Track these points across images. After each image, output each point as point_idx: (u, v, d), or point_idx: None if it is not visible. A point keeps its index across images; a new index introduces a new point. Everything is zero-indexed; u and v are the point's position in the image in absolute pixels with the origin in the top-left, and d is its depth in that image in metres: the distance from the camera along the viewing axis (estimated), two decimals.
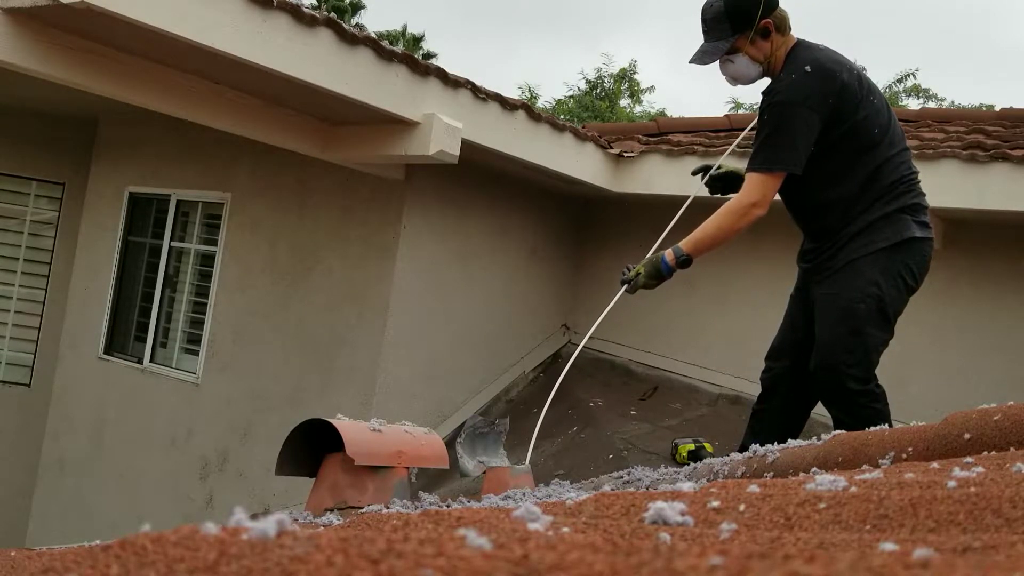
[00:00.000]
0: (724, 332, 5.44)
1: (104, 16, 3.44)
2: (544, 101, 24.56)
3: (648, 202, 5.60)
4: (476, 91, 4.70)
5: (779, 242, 5.16)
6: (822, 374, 2.95)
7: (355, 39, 4.11)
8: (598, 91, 23.80)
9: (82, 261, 7.29)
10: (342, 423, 2.35)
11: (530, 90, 25.05)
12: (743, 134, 3.78)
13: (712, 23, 3.04)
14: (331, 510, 2.17)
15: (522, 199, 5.82)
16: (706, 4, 3.06)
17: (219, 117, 4.57)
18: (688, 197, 3.53)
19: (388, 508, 2.12)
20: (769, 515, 0.92)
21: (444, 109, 4.50)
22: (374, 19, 37.33)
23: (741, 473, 2.08)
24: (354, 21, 24.46)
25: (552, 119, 5.24)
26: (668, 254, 3.04)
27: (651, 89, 24.64)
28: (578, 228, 6.22)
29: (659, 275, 3.06)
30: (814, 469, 1.65)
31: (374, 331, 5.21)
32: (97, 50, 4.01)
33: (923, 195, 3.06)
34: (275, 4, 3.78)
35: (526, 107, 5.05)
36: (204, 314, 6.19)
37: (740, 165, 3.37)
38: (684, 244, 3.03)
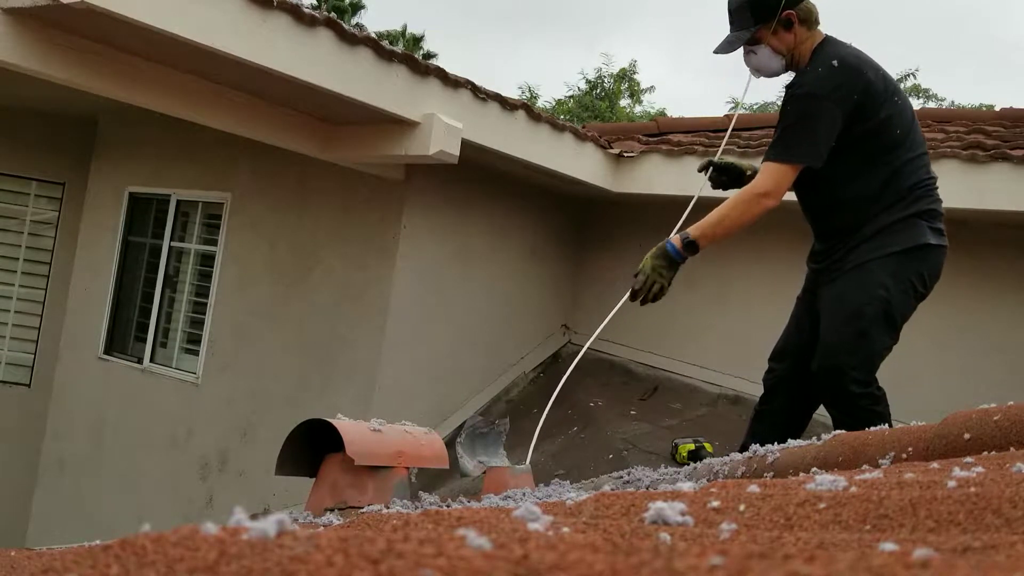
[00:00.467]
0: (724, 332, 5.44)
1: (104, 16, 3.44)
2: (544, 101, 24.59)
3: (648, 202, 5.60)
4: (476, 91, 4.70)
5: (780, 242, 5.17)
6: (824, 375, 2.94)
7: (355, 39, 4.11)
8: (598, 91, 23.81)
9: (82, 261, 7.29)
10: (342, 423, 2.35)
11: (530, 90, 25.08)
12: (729, 129, 3.74)
13: (736, 13, 3.03)
14: (331, 510, 2.17)
15: (522, 199, 5.82)
16: (733, 2, 3.05)
17: (219, 117, 4.57)
18: (691, 196, 3.52)
19: (388, 508, 2.12)
20: (769, 515, 0.92)
21: (444, 109, 4.50)
22: (374, 19, 37.32)
23: (741, 473, 2.08)
24: (354, 21, 24.46)
25: (552, 119, 5.24)
26: (674, 238, 2.99)
27: (651, 89, 24.67)
28: (578, 228, 6.22)
29: (668, 258, 2.97)
30: (814, 469, 1.65)
31: (374, 331, 5.21)
32: (97, 50, 4.01)
33: (940, 201, 3.03)
34: (275, 4, 3.78)
35: (526, 107, 5.05)
36: (204, 314, 6.19)
37: (746, 161, 3.37)
38: (691, 229, 2.97)
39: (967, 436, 1.51)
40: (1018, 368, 4.48)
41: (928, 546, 0.55)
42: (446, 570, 0.43)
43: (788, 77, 3.09)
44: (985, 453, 1.42)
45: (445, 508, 1.27)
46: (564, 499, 1.23)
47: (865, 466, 1.52)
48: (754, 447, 2.20)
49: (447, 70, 4.56)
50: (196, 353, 6.23)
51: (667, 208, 5.56)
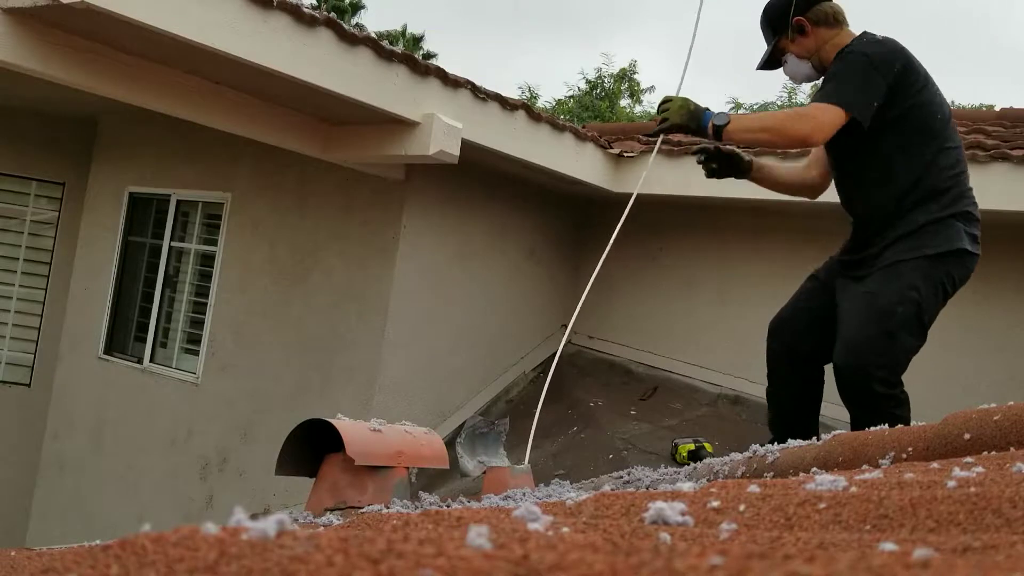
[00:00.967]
0: (724, 332, 5.44)
1: (104, 16, 3.44)
2: (544, 101, 24.59)
3: (648, 202, 5.59)
4: (476, 91, 4.70)
5: (779, 242, 5.17)
6: (849, 373, 2.91)
7: (355, 39, 4.11)
8: (598, 91, 23.82)
9: (82, 261, 7.29)
10: (342, 423, 2.35)
11: (530, 90, 25.08)
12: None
13: (763, 31, 3.18)
14: (331, 510, 2.17)
15: (522, 199, 5.82)
16: (760, 21, 3.21)
17: (219, 117, 4.57)
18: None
19: (388, 508, 2.12)
20: (769, 515, 0.92)
21: (444, 109, 4.50)
22: (374, 19, 37.32)
23: (741, 473, 2.08)
24: (354, 21, 24.47)
25: (552, 119, 5.24)
26: (716, 116, 2.94)
27: (651, 89, 24.60)
28: (578, 228, 6.22)
29: (697, 119, 2.93)
30: (814, 469, 1.65)
31: (374, 331, 5.21)
32: (97, 50, 4.01)
33: (975, 205, 3.01)
34: (275, 4, 3.78)
35: (526, 107, 5.05)
36: (204, 314, 6.19)
37: (747, 155, 3.34)
38: (731, 120, 2.92)
39: (967, 436, 1.51)
40: (1018, 368, 4.48)
41: (928, 546, 0.55)
42: (446, 570, 0.43)
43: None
44: (985, 453, 1.42)
45: (445, 508, 1.27)
46: (564, 499, 1.23)
47: (865, 466, 1.52)
48: (754, 447, 2.20)
49: (447, 70, 4.56)
50: (196, 353, 6.23)
51: (667, 208, 5.58)
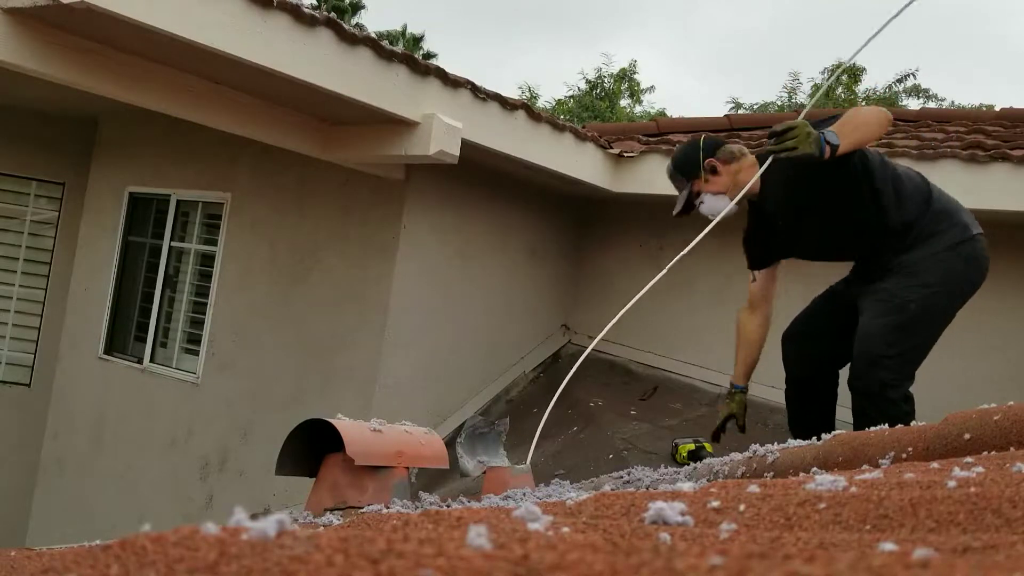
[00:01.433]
0: (724, 332, 5.43)
1: (104, 16, 3.44)
2: (544, 101, 24.57)
3: (648, 202, 5.60)
4: (476, 91, 4.70)
5: None
6: (858, 362, 3.01)
7: (355, 39, 4.11)
8: (598, 91, 23.80)
9: (82, 261, 7.29)
10: (342, 423, 2.35)
11: (530, 90, 25.06)
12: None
13: (673, 180, 3.51)
14: (331, 510, 2.17)
15: (522, 199, 5.82)
16: (667, 171, 3.53)
17: (219, 117, 4.57)
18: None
19: (388, 508, 2.12)
20: (769, 515, 0.92)
21: (444, 109, 4.50)
22: (374, 19, 37.32)
23: (741, 473, 2.08)
24: (354, 21, 24.47)
25: (552, 119, 5.24)
26: (829, 136, 2.97)
27: (651, 89, 24.63)
28: (578, 228, 6.22)
29: (819, 144, 2.97)
30: (814, 469, 1.65)
31: (374, 331, 5.21)
32: (97, 50, 4.01)
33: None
34: (275, 4, 3.78)
35: (526, 107, 5.05)
36: (204, 314, 6.19)
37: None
38: (840, 139, 2.96)
39: (967, 436, 1.51)
40: (1018, 368, 4.48)
41: (928, 546, 0.55)
42: (446, 570, 0.43)
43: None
44: (985, 453, 1.42)
45: (445, 508, 1.27)
46: (564, 499, 1.23)
47: (865, 466, 1.52)
48: (754, 447, 2.20)
49: (447, 70, 4.56)
50: (196, 353, 6.23)
51: (667, 208, 5.56)
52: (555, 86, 60.81)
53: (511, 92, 6.93)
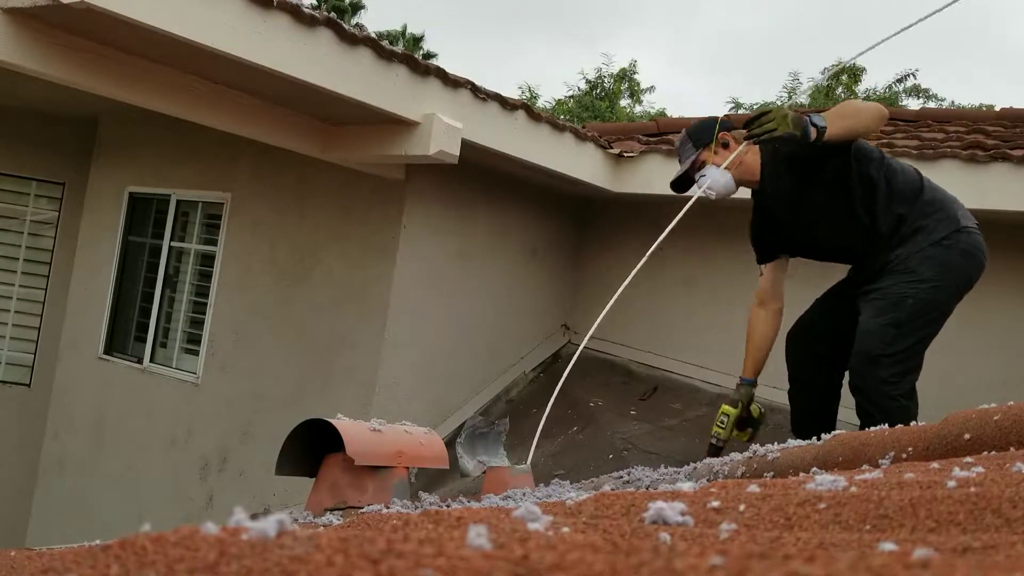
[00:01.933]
0: (724, 332, 5.44)
1: (104, 16, 3.44)
2: (544, 101, 24.57)
3: (648, 202, 5.60)
4: (476, 91, 4.70)
5: None
6: (857, 359, 3.03)
7: (355, 39, 4.11)
8: (598, 91, 23.80)
9: (82, 261, 7.29)
10: (342, 423, 2.35)
11: (530, 90, 25.06)
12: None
13: (680, 148, 3.53)
14: (331, 510, 2.17)
15: (522, 199, 5.82)
16: (678, 140, 3.57)
17: (219, 117, 4.57)
18: (691, 196, 3.55)
19: (388, 508, 2.12)
20: (769, 515, 0.92)
21: (444, 109, 4.50)
22: (374, 19, 37.33)
23: (741, 473, 2.08)
24: (354, 21, 24.46)
25: (552, 119, 5.24)
26: (816, 119, 3.06)
27: (651, 89, 24.61)
28: (578, 228, 6.22)
29: (802, 126, 3.05)
30: (814, 469, 1.65)
31: (374, 331, 5.21)
32: (97, 50, 4.01)
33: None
34: (275, 4, 3.78)
35: (526, 107, 5.05)
36: (204, 314, 6.19)
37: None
38: (829, 124, 3.03)
39: (967, 436, 1.51)
40: (1018, 368, 4.48)
41: (928, 546, 0.55)
42: (446, 570, 0.43)
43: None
44: (985, 453, 1.42)
45: (445, 508, 1.27)
46: (564, 499, 1.23)
47: (865, 466, 1.52)
48: (754, 447, 2.20)
49: (447, 70, 4.56)
50: (196, 353, 6.23)
51: (667, 208, 5.56)
52: (555, 86, 60.83)
53: (511, 92, 6.93)
